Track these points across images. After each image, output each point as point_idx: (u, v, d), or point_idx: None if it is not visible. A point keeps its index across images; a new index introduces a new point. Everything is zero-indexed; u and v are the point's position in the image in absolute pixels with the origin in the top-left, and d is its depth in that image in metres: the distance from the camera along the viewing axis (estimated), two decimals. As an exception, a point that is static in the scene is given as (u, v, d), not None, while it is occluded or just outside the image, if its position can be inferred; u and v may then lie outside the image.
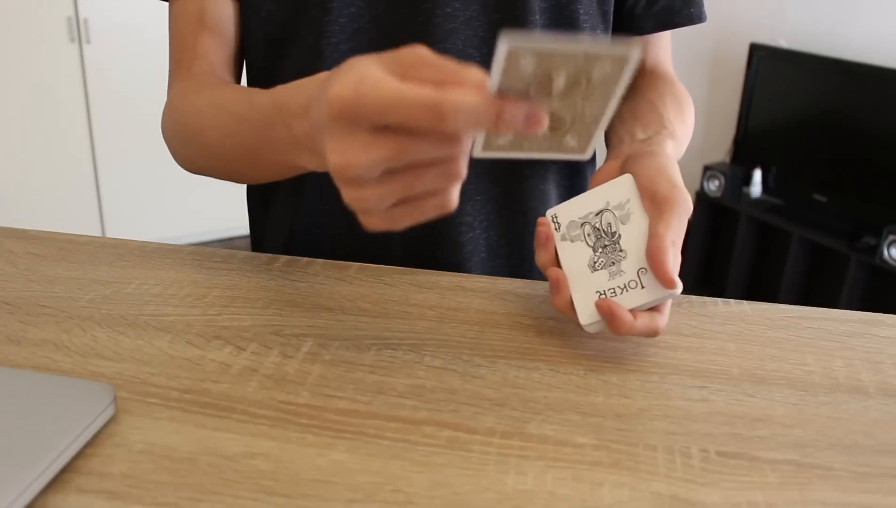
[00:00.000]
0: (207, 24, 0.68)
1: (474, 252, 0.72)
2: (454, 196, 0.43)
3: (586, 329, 0.53)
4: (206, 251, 0.67)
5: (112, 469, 0.41)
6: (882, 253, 2.24)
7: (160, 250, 0.67)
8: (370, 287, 0.62)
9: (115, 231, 2.86)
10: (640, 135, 0.64)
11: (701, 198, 2.76)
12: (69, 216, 2.77)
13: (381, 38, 0.66)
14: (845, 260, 2.36)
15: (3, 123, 2.58)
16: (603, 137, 0.54)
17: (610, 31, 0.73)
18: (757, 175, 2.65)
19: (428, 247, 0.70)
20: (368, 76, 0.39)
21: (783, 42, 2.63)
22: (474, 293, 0.62)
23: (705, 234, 2.85)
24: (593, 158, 0.78)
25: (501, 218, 0.72)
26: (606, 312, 0.50)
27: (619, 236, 0.53)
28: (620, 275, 0.52)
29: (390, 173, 0.40)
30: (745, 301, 0.62)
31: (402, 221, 0.42)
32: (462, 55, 0.66)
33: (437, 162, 0.41)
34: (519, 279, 0.65)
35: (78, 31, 2.60)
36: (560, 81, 0.39)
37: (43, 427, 0.41)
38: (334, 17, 0.65)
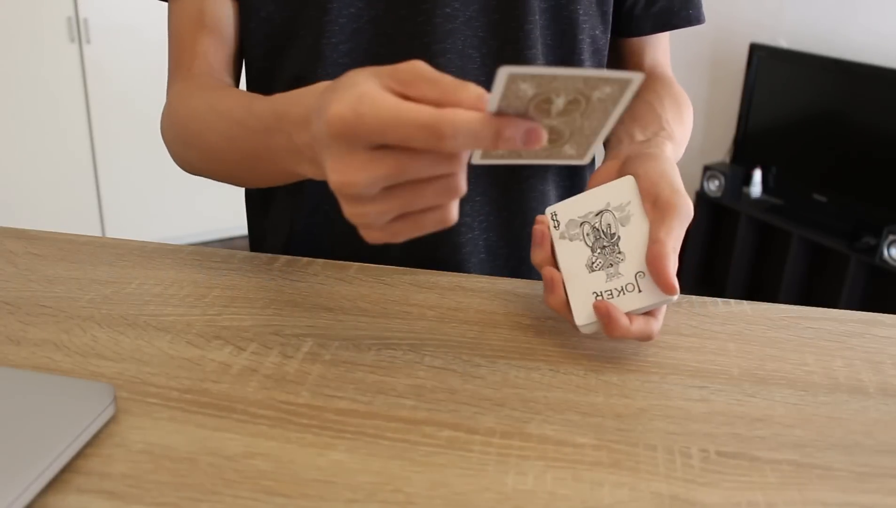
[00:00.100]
0: (207, 25, 0.68)
1: (473, 253, 0.72)
2: (454, 211, 0.43)
3: (581, 330, 0.53)
4: (206, 251, 0.67)
5: (112, 469, 0.41)
6: (882, 253, 2.24)
7: (160, 250, 0.67)
8: (370, 287, 0.62)
9: (115, 231, 2.86)
10: (639, 136, 0.64)
11: (701, 198, 2.76)
12: (69, 216, 2.77)
13: (381, 38, 0.66)
14: (845, 260, 2.36)
15: (3, 123, 2.58)
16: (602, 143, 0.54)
17: (609, 32, 0.73)
18: (757, 175, 2.65)
19: (427, 247, 0.70)
20: (367, 95, 0.39)
21: (783, 42, 2.63)
22: (474, 293, 0.62)
23: (705, 234, 2.85)
24: (592, 159, 0.78)
25: (500, 219, 0.72)
26: (603, 314, 0.50)
27: (619, 237, 0.53)
28: (618, 277, 0.52)
29: (390, 190, 0.41)
30: (745, 301, 0.62)
31: (402, 234, 0.43)
32: (461, 55, 0.66)
33: (437, 178, 0.41)
34: (519, 279, 0.65)
35: (78, 31, 2.60)
36: (559, 103, 0.39)
37: (43, 427, 0.41)
38: (333, 17, 0.65)
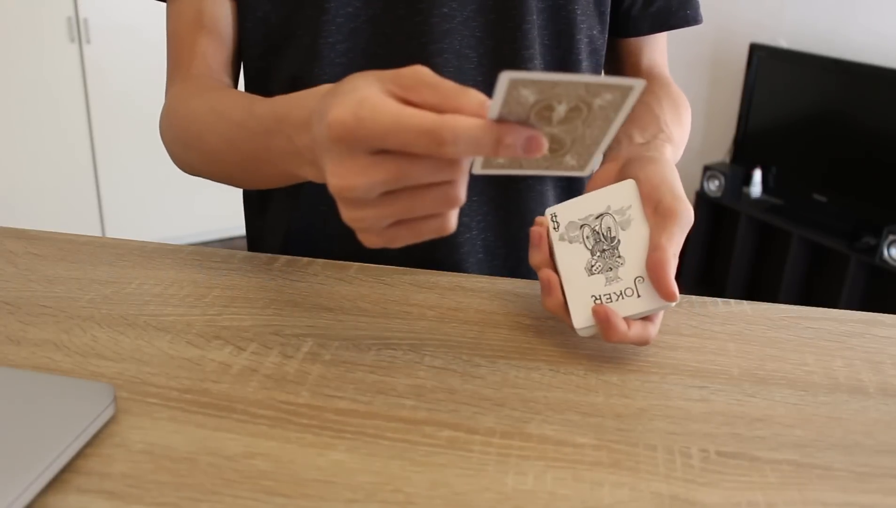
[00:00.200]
0: (205, 25, 0.68)
1: (471, 253, 0.72)
2: (452, 219, 0.43)
3: (579, 333, 0.52)
4: (206, 251, 0.67)
5: (112, 469, 0.41)
6: (882, 253, 2.24)
7: (160, 250, 0.67)
8: (370, 287, 0.62)
9: (115, 231, 2.86)
10: (638, 138, 0.64)
11: (701, 198, 2.76)
12: (69, 216, 2.77)
13: (378, 37, 0.66)
14: (845, 260, 2.36)
15: (3, 123, 2.58)
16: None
17: (606, 32, 0.73)
18: (757, 175, 2.65)
19: (425, 248, 0.70)
20: (368, 99, 0.39)
21: (783, 42, 2.63)
22: (474, 293, 0.62)
23: (705, 234, 2.85)
24: None
25: (499, 219, 0.72)
26: (602, 318, 0.50)
27: (619, 241, 0.53)
28: (617, 281, 0.52)
29: (389, 195, 0.41)
30: (745, 301, 0.62)
31: (400, 240, 0.43)
32: (459, 55, 0.66)
33: (436, 185, 0.41)
34: (519, 279, 0.65)
35: (78, 31, 2.60)
36: (561, 110, 0.39)
37: (43, 427, 0.41)
38: (331, 16, 0.65)
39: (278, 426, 0.45)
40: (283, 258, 0.66)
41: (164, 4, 0.71)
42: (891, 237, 2.22)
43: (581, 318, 0.52)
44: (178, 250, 0.67)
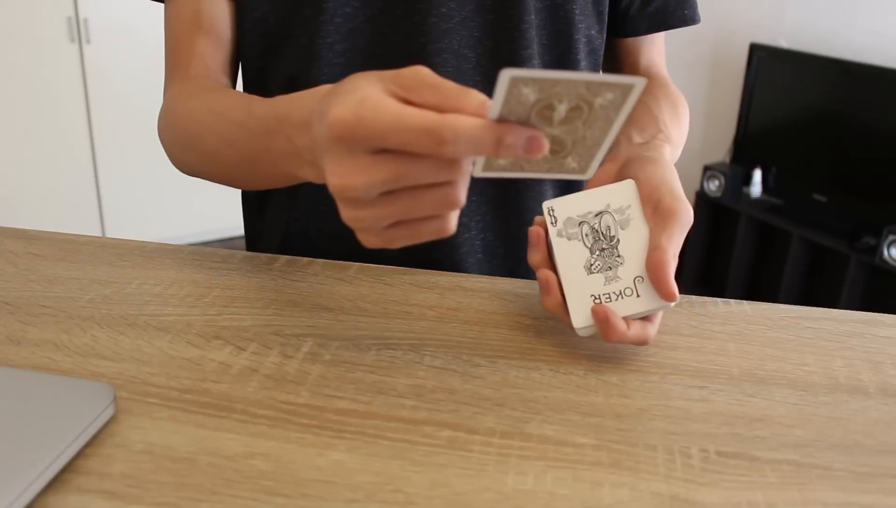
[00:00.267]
0: (203, 26, 0.68)
1: (470, 253, 0.72)
2: (452, 221, 0.43)
3: (578, 333, 0.52)
4: (206, 251, 0.67)
5: (112, 469, 0.41)
6: (882, 253, 2.24)
7: (160, 250, 0.67)
8: (370, 287, 0.62)
9: (115, 231, 2.86)
10: (637, 138, 0.64)
11: (701, 198, 2.76)
12: (69, 216, 2.77)
13: (377, 37, 0.66)
14: (845, 260, 2.36)
15: (3, 123, 2.58)
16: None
17: (605, 32, 0.73)
18: (757, 175, 2.65)
19: (424, 248, 0.70)
20: (369, 99, 0.39)
21: (783, 42, 2.63)
22: (474, 293, 0.62)
23: (705, 234, 2.85)
24: None
25: (497, 219, 0.72)
26: (602, 318, 0.50)
27: (618, 240, 0.53)
28: (616, 281, 0.52)
29: (389, 195, 0.41)
30: (745, 301, 0.62)
31: (399, 241, 0.43)
32: (457, 55, 0.66)
33: (436, 187, 0.41)
34: (519, 279, 0.65)
35: (78, 31, 2.60)
36: (561, 109, 0.39)
37: (43, 427, 0.41)
38: (329, 16, 0.65)
39: (278, 426, 0.45)
40: (283, 258, 0.66)
41: (162, 5, 0.71)
42: (891, 237, 2.22)
43: (580, 317, 0.52)
44: (178, 250, 0.67)
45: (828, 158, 2.47)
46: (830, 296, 2.47)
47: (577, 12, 0.69)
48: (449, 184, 0.41)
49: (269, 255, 0.67)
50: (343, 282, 0.63)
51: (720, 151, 2.90)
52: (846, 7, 2.48)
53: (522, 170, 0.43)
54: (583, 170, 0.44)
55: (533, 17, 0.67)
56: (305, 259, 0.66)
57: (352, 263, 0.66)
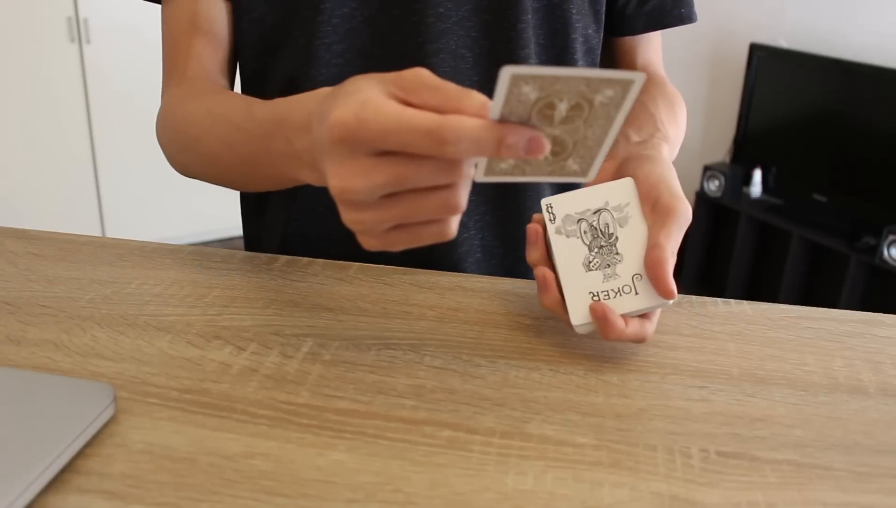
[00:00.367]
0: (201, 27, 0.67)
1: (469, 253, 0.72)
2: (453, 225, 0.43)
3: (577, 330, 0.52)
4: (206, 251, 0.67)
5: (112, 469, 0.41)
6: (882, 253, 2.24)
7: (160, 250, 0.67)
8: (370, 287, 0.62)
9: (115, 231, 2.86)
10: (635, 137, 0.64)
11: (701, 198, 2.76)
12: (69, 216, 2.77)
13: (375, 38, 0.66)
14: (845, 260, 2.36)
15: (3, 123, 2.58)
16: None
17: (602, 32, 0.73)
18: (757, 175, 2.65)
19: (423, 248, 0.70)
20: (370, 101, 0.39)
21: (783, 42, 2.63)
22: (474, 293, 0.62)
23: (705, 234, 2.85)
24: None
25: (496, 218, 0.72)
26: (600, 316, 0.50)
27: (617, 238, 0.53)
28: (615, 278, 0.52)
29: (390, 198, 0.41)
30: (745, 301, 0.62)
31: (399, 244, 0.43)
32: (455, 55, 0.67)
33: (438, 189, 0.41)
34: (519, 279, 0.65)
35: (78, 31, 2.60)
36: (562, 108, 0.39)
37: (43, 427, 0.41)
38: (327, 17, 0.65)
39: (278, 426, 0.45)
40: (283, 258, 0.66)
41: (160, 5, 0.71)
42: (891, 237, 2.22)
43: (579, 315, 0.52)
44: (178, 250, 0.67)
45: (828, 158, 2.47)
46: (830, 296, 2.47)
47: (573, 12, 0.69)
48: (450, 187, 0.41)
49: (269, 255, 0.67)
50: (343, 282, 0.63)
51: (720, 151, 2.90)
52: (846, 7, 2.48)
53: (524, 174, 0.43)
54: (584, 172, 0.44)
55: (530, 16, 0.67)
56: (305, 259, 0.66)
57: (352, 263, 0.66)
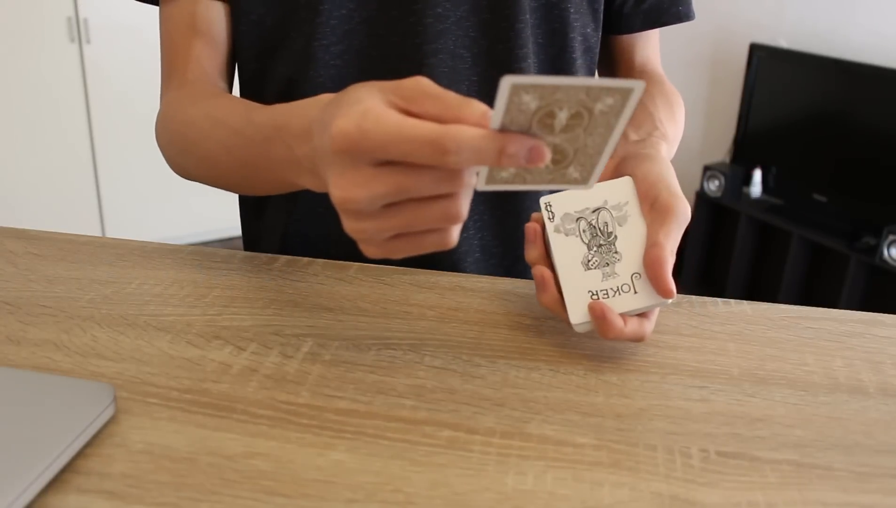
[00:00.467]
0: (199, 29, 0.67)
1: (469, 253, 0.72)
2: (454, 234, 0.43)
3: (576, 328, 0.52)
4: (206, 251, 0.67)
5: (112, 469, 0.41)
6: (882, 253, 2.24)
7: (160, 250, 0.67)
8: (370, 287, 0.62)
9: (115, 231, 2.86)
10: (633, 136, 0.64)
11: (701, 198, 2.76)
12: (69, 216, 2.77)
13: (373, 39, 0.66)
14: (845, 260, 2.36)
15: (3, 123, 2.58)
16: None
17: (600, 30, 0.73)
18: (757, 175, 2.65)
19: None
20: (371, 111, 0.39)
21: (783, 42, 2.63)
22: (474, 293, 0.62)
23: (705, 234, 2.85)
24: None
25: (494, 218, 0.72)
26: (599, 315, 0.50)
27: (616, 237, 0.53)
28: (614, 277, 0.52)
29: (391, 208, 0.41)
30: (745, 301, 0.62)
31: (400, 252, 0.43)
32: (453, 55, 0.66)
33: (439, 198, 0.41)
34: (519, 279, 0.65)
35: (78, 31, 2.60)
36: (562, 117, 0.39)
37: (43, 427, 0.41)
38: (325, 18, 0.65)
39: (278, 426, 0.45)
40: (283, 258, 0.66)
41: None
42: (891, 237, 2.22)
43: (577, 313, 0.52)
44: (178, 250, 0.67)
45: (828, 158, 2.47)
46: (830, 296, 2.47)
47: (571, 11, 0.69)
48: (451, 197, 0.41)
49: (269, 255, 0.67)
50: (343, 282, 0.63)
51: (720, 151, 2.90)
52: (846, 7, 2.48)
53: (525, 182, 0.43)
54: (585, 180, 0.44)
55: (528, 16, 0.67)
56: (305, 259, 0.66)
57: (352, 263, 0.66)
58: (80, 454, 0.42)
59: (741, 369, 0.53)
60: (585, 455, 0.44)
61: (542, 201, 0.54)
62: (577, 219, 0.54)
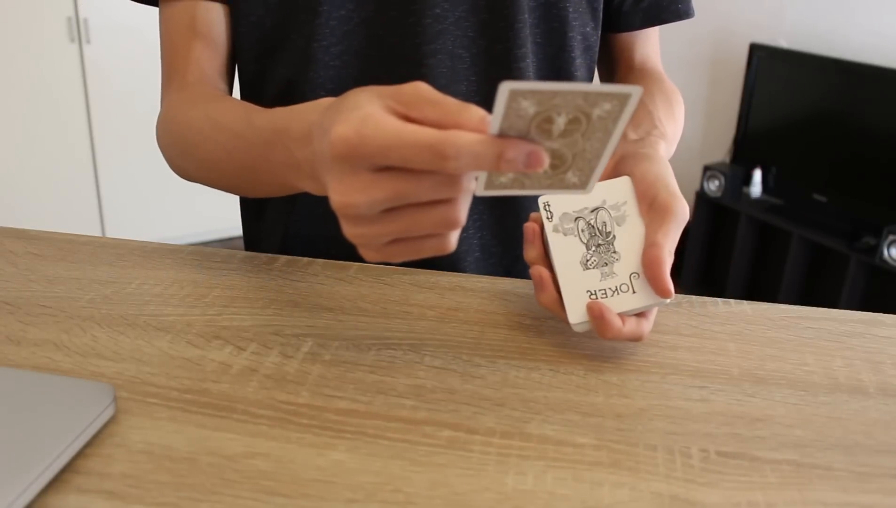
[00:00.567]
0: (199, 31, 0.68)
1: (468, 252, 0.72)
2: (453, 239, 0.43)
3: (574, 328, 0.53)
4: (206, 251, 0.67)
5: (112, 469, 0.41)
6: (882, 253, 2.24)
7: (160, 250, 0.67)
8: (370, 287, 0.62)
9: (115, 231, 2.86)
10: (632, 135, 0.64)
11: (701, 198, 2.76)
12: (69, 216, 2.77)
13: (372, 39, 0.66)
14: (845, 260, 2.36)
15: (3, 123, 2.58)
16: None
17: (599, 29, 0.73)
18: (757, 175, 2.65)
19: None
20: (371, 117, 0.39)
21: (783, 42, 2.63)
22: (474, 293, 0.62)
23: (705, 234, 2.85)
24: None
25: (494, 218, 0.72)
26: (597, 314, 0.50)
27: (614, 236, 0.53)
28: (612, 277, 0.52)
29: (390, 213, 0.41)
30: (745, 301, 0.62)
31: (400, 257, 0.43)
32: (452, 56, 0.67)
33: (438, 203, 0.41)
34: (519, 279, 0.65)
35: (78, 31, 2.60)
36: (560, 122, 0.39)
37: (43, 427, 0.41)
38: (324, 19, 0.65)
39: (278, 426, 0.45)
40: (283, 258, 0.66)
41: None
42: (891, 237, 2.22)
43: (576, 313, 0.52)
44: (178, 250, 0.67)
45: (828, 158, 2.47)
46: (830, 296, 2.47)
47: (570, 10, 0.69)
48: (450, 202, 0.41)
49: (269, 255, 0.67)
50: (343, 282, 0.63)
51: (720, 151, 2.90)
52: (846, 7, 2.48)
53: (524, 187, 0.43)
54: (583, 185, 0.44)
55: (527, 15, 0.67)
56: (305, 259, 0.66)
57: (352, 263, 0.66)
58: (80, 454, 0.42)
59: (741, 369, 0.53)
60: (585, 455, 0.44)
61: (541, 200, 0.54)
62: (576, 219, 0.54)
